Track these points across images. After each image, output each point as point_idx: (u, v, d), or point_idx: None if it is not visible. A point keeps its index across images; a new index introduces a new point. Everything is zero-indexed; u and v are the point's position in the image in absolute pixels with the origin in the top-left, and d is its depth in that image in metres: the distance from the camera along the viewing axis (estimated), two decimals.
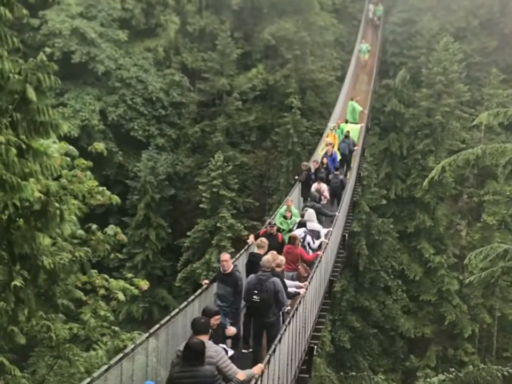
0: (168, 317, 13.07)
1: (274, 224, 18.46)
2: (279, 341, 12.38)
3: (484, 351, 49.19)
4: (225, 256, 14.91)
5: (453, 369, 32.20)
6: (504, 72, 56.28)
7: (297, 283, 16.84)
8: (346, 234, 28.16)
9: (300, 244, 19.31)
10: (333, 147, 29.41)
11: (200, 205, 44.76)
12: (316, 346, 18.08)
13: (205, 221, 44.31)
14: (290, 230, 20.33)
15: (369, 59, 50.29)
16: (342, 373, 36.31)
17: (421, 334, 48.26)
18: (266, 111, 51.54)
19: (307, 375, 17.33)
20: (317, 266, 17.89)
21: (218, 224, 43.68)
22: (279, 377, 12.85)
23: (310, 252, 20.31)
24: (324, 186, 26.01)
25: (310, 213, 22.32)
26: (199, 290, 14.91)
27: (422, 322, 48.90)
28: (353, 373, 35.75)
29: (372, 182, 48.78)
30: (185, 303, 13.90)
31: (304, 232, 20.58)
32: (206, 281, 15.44)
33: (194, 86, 51.18)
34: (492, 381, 32.80)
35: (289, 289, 15.84)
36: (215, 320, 11.93)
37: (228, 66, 50.36)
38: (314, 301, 18.35)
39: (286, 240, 18.53)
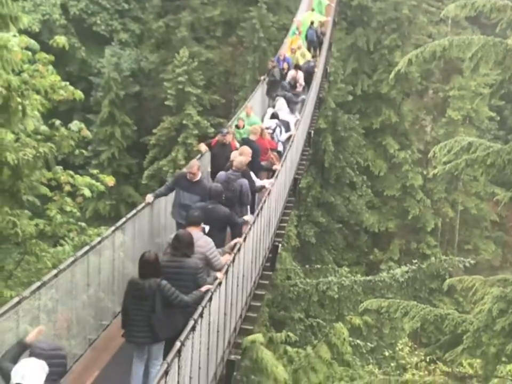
0: (134, 211, 13.09)
1: (227, 132, 17.01)
2: (244, 239, 12.48)
3: (446, 244, 50.39)
4: (194, 168, 13.83)
5: (415, 261, 33.12)
6: None
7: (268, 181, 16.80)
8: (312, 132, 28.23)
9: (270, 135, 19.59)
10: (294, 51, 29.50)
11: (166, 102, 44.24)
12: (280, 244, 18.34)
13: (171, 118, 43.93)
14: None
15: None
16: (307, 266, 37.01)
17: (384, 228, 49.15)
18: (231, 5, 50.33)
19: (270, 272, 17.69)
20: (282, 164, 17.92)
21: (184, 122, 43.34)
22: (243, 275, 13.07)
23: (280, 144, 20.52)
24: (300, 74, 26.86)
25: (281, 103, 22.65)
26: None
27: (386, 217, 49.72)
28: (318, 266, 36.50)
29: (338, 78, 48.45)
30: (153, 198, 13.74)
31: (276, 124, 20.78)
32: (150, 196, 13.73)
33: None
34: (454, 272, 33.78)
35: (259, 183, 16.04)
36: None
37: None
38: (278, 199, 18.47)
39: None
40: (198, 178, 13.88)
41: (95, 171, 20.81)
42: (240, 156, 14.95)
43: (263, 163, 17.66)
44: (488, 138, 46.71)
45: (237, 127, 19.60)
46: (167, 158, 42.73)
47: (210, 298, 9.83)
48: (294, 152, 21.74)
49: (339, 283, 29.73)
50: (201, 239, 11.18)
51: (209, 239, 11.38)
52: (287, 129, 21.43)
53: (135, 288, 9.90)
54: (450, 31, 51.27)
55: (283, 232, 20.57)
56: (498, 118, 52.48)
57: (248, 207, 14.90)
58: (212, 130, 43.13)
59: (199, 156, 16.91)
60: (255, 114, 21.28)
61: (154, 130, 44.32)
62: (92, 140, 41.17)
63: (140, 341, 9.93)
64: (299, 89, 26.74)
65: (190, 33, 48.11)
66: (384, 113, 50.70)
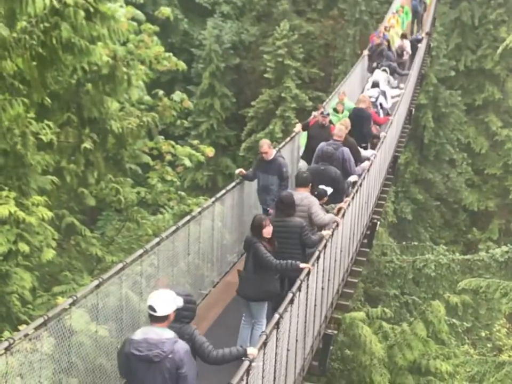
0: (233, 183, 13.27)
1: (328, 114, 16.30)
2: (343, 215, 12.42)
3: None
4: (264, 147, 13.41)
5: None
6: None
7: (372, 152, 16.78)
8: (413, 109, 27.87)
9: (373, 104, 19.49)
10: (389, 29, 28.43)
11: (265, 75, 44.36)
12: (378, 222, 18.21)
13: (270, 90, 44.00)
14: None
15: None
16: (404, 243, 36.57)
17: (484, 207, 48.00)
18: None
19: (368, 249, 17.62)
20: (382, 142, 17.70)
21: (282, 95, 43.36)
22: (341, 250, 13.08)
23: (381, 113, 20.43)
24: (407, 42, 27.06)
25: (379, 75, 22.60)
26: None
27: (485, 195, 48.56)
28: (415, 243, 36.00)
29: (441, 52, 47.46)
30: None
31: (378, 92, 20.71)
32: (241, 170, 13.88)
33: None
34: None
35: (364, 154, 16.02)
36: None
37: None
38: (377, 176, 18.33)
39: None
40: (272, 156, 13.43)
41: (195, 141, 21.13)
42: (340, 125, 14.96)
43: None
44: None
45: (336, 111, 18.46)
46: (265, 131, 42.84)
47: (309, 273, 9.87)
48: (394, 129, 21.49)
49: (436, 261, 29.26)
50: (306, 198, 11.74)
51: (314, 199, 11.92)
52: (385, 98, 21.41)
53: (277, 225, 10.58)
54: None
55: (381, 209, 20.42)
56: None
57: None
58: (310, 104, 43.01)
59: (293, 134, 16.73)
60: (349, 99, 20.00)
61: (252, 103, 44.47)
62: (192, 111, 41.75)
63: (242, 295, 10.48)
64: (405, 57, 26.91)
65: (291, 6, 47.97)
66: (488, 90, 49.32)
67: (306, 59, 47.18)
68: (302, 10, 49.29)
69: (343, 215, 12.42)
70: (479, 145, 49.18)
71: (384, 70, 23.45)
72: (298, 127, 17.00)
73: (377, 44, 25.71)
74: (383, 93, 21.56)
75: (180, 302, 7.05)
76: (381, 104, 20.78)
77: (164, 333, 6.72)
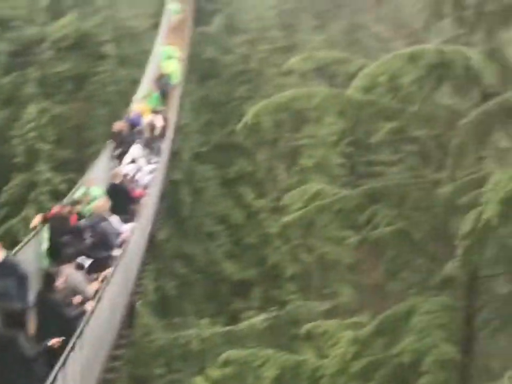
0: None
1: (68, 204, 15.55)
2: (99, 300, 12.27)
3: (305, 290, 51.07)
4: None
5: (274, 308, 33.41)
6: (316, 18, 57.88)
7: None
8: (167, 187, 28.35)
9: (129, 180, 19.79)
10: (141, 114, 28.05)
11: (15, 159, 43.14)
12: (138, 302, 18.18)
13: (21, 175, 42.75)
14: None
15: (181, 22, 48.90)
16: (167, 320, 36.60)
17: (244, 276, 49.36)
18: (81, 60, 49.82)
19: (129, 330, 17.43)
20: (137, 220, 17.82)
21: (35, 179, 42.33)
22: (100, 335, 12.80)
23: (138, 188, 20.72)
24: (157, 118, 27.35)
25: (135, 150, 22.80)
26: None
27: (245, 265, 49.93)
28: (178, 319, 36.15)
29: (192, 129, 48.92)
30: None
31: (134, 168, 21.02)
32: None
33: (2, 36, 48.82)
34: (311, 316, 34.28)
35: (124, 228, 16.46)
36: None
37: (38, 14, 48.36)
38: (135, 256, 18.30)
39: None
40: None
41: None
42: (97, 201, 15.11)
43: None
44: (339, 185, 48.17)
45: (78, 203, 17.10)
46: (18, 217, 41.41)
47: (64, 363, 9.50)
48: (150, 206, 21.69)
49: (199, 335, 29.60)
50: (71, 275, 12.17)
51: (78, 274, 12.54)
52: (143, 174, 21.79)
53: None
54: (298, 82, 52.73)
55: (141, 288, 20.38)
56: (348, 164, 54.19)
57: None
58: (64, 186, 42.25)
59: (34, 232, 14.78)
60: (97, 186, 19.08)
61: (4, 188, 42.95)
62: None
63: None
64: (157, 132, 26.85)
65: (38, 88, 47.27)
66: (239, 163, 51.40)
67: (58, 141, 46.48)
68: (50, 92, 48.72)
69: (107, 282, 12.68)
70: (236, 217, 50.76)
71: (139, 145, 23.74)
72: (36, 220, 15.14)
73: (119, 131, 24.79)
74: (140, 169, 21.90)
75: None
76: (136, 180, 21.11)
77: None
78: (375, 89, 17.73)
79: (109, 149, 24.87)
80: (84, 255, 13.57)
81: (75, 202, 17.05)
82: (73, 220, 15.13)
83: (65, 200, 15.95)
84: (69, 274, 11.90)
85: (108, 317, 13.78)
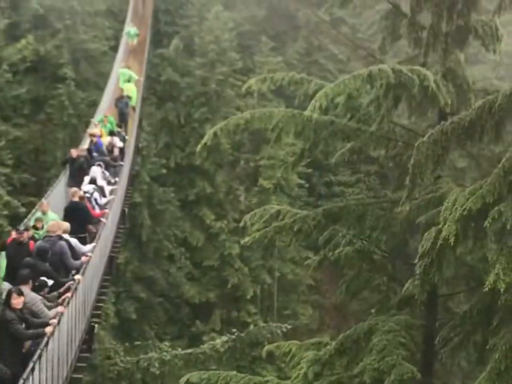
0: None
1: (25, 230, 15.37)
2: (58, 322, 12.21)
3: (266, 311, 51.06)
4: None
5: (235, 330, 33.31)
6: (274, 40, 58.33)
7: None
8: (126, 209, 28.15)
9: (88, 199, 19.81)
10: (100, 137, 27.60)
11: None
12: (96, 325, 18.00)
13: None
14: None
15: (138, 46, 48.36)
16: (127, 344, 36.28)
17: (205, 299, 49.21)
18: (39, 82, 49.61)
19: (88, 354, 17.24)
20: (96, 242, 17.69)
21: None
22: (58, 359, 12.68)
23: (97, 208, 20.61)
24: (116, 139, 27.45)
25: (95, 170, 22.74)
26: None
27: (206, 287, 49.87)
28: (139, 342, 35.86)
29: (151, 151, 48.90)
30: None
31: (94, 189, 20.93)
32: None
33: None
34: (273, 338, 34.31)
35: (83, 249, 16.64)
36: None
37: None
38: (93, 280, 18.13)
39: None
40: None
41: None
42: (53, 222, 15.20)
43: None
44: (299, 205, 48.41)
45: (35, 228, 17.11)
46: None
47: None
48: (108, 230, 21.53)
49: (160, 358, 29.40)
50: (27, 295, 12.00)
51: (35, 295, 12.45)
52: (102, 194, 21.71)
53: None
54: (257, 103, 53.03)
55: (100, 312, 20.15)
56: (308, 185, 54.50)
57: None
58: (23, 210, 41.85)
59: None
60: (52, 211, 18.89)
61: None
62: None
63: None
64: (116, 153, 26.96)
65: None
66: (199, 185, 51.41)
67: (16, 165, 46.10)
68: (7, 115, 48.29)
69: (68, 303, 12.87)
70: (196, 239, 50.69)
71: (99, 165, 23.68)
72: None
73: (75, 158, 23.84)
74: (101, 189, 21.87)
75: None
76: (95, 200, 21.04)
77: None
78: (333, 110, 17.92)
79: (65, 175, 24.41)
80: (45, 276, 13.60)
81: (31, 227, 16.93)
82: (31, 244, 15.01)
83: (22, 226, 15.75)
84: (26, 294, 11.85)
85: (67, 340, 13.66)
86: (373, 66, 16.52)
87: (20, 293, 11.38)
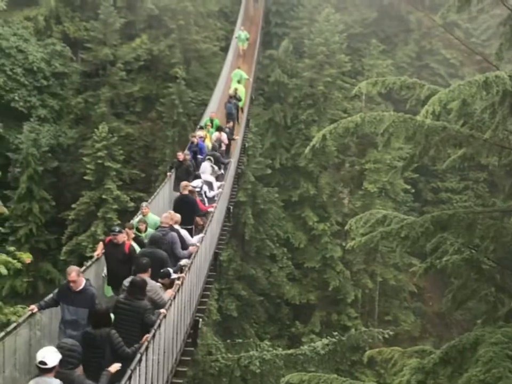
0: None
1: (120, 231, 15.01)
2: (164, 316, 12.53)
3: (366, 316, 50.74)
4: (72, 275, 11.95)
5: (336, 333, 33.21)
6: (383, 42, 57.87)
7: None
8: (231, 207, 28.44)
9: (197, 193, 20.55)
10: (203, 140, 27.64)
11: (85, 177, 43.99)
12: (201, 320, 18.26)
13: (90, 193, 43.64)
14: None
15: (248, 49, 48.72)
16: (228, 341, 36.67)
17: (305, 300, 49.28)
18: (151, 81, 50.95)
19: (192, 348, 17.53)
20: (202, 239, 17.98)
21: (103, 196, 43.13)
22: (164, 352, 12.99)
23: (206, 200, 21.26)
24: (224, 135, 28.29)
25: (204, 166, 23.55)
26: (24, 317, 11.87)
27: (306, 288, 49.93)
28: (240, 340, 36.17)
29: (257, 152, 49.23)
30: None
31: (202, 182, 21.63)
32: (34, 306, 12.11)
33: (77, 56, 50.03)
34: (374, 343, 34.04)
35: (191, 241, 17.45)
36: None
37: (111, 36, 49.36)
38: (199, 275, 18.46)
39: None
40: (81, 286, 12.05)
41: (11, 248, 20.49)
42: (166, 213, 15.94)
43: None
44: (404, 210, 47.89)
45: (139, 230, 17.07)
46: (86, 233, 42.26)
47: (130, 377, 9.71)
48: (214, 226, 21.84)
49: (260, 357, 29.59)
50: (148, 283, 12.59)
51: (154, 283, 13.11)
52: (211, 188, 22.27)
53: (88, 338, 11.00)
54: (364, 106, 52.76)
55: (204, 307, 20.47)
56: (413, 190, 53.82)
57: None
58: (132, 204, 43.03)
59: (94, 259, 15.10)
60: (153, 213, 19.03)
61: (73, 205, 43.84)
62: (9, 216, 40.52)
63: None
64: (223, 148, 27.99)
65: (109, 108, 48.30)
66: (303, 186, 51.47)
67: (126, 160, 47.39)
68: (120, 112, 49.72)
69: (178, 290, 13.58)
70: (298, 240, 50.80)
71: (209, 159, 24.21)
72: (98, 249, 15.35)
73: (182, 161, 24.06)
74: (209, 183, 22.36)
75: (60, 355, 9.01)
76: (205, 193, 21.65)
77: (52, 382, 8.76)
78: (445, 115, 17.64)
79: (171, 179, 24.32)
80: (161, 263, 14.40)
81: (131, 227, 16.71)
82: (127, 246, 15.04)
83: (127, 225, 16.11)
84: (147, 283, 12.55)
85: (172, 333, 13.98)
86: (489, 73, 16.15)
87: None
